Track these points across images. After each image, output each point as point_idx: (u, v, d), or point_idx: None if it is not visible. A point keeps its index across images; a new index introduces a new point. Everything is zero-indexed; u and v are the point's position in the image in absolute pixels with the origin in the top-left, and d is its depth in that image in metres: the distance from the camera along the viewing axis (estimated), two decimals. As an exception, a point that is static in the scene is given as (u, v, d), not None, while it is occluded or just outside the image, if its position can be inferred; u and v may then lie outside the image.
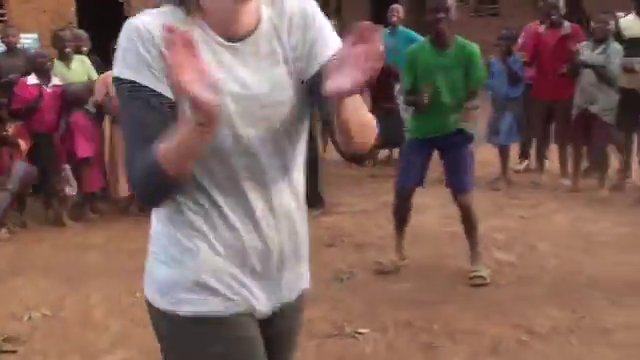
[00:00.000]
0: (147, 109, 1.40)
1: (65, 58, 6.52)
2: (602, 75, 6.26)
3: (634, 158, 6.82)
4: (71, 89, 6.23)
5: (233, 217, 1.49)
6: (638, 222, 5.59)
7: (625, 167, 6.79)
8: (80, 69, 6.60)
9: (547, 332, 3.71)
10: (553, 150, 7.22)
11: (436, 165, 4.71)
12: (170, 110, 1.41)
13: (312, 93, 1.51)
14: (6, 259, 5.31)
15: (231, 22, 1.46)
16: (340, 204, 6.35)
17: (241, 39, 1.47)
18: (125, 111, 1.44)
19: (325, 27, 1.55)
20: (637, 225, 5.51)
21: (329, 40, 1.53)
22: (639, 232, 5.34)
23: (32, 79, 6.07)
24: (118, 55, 1.43)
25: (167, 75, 1.25)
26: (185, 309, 1.51)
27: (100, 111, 6.35)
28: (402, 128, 4.78)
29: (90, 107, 6.34)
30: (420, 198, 4.91)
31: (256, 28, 1.49)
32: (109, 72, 6.32)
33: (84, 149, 6.19)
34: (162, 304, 1.53)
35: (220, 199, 1.49)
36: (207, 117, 1.25)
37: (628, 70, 6.36)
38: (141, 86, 1.40)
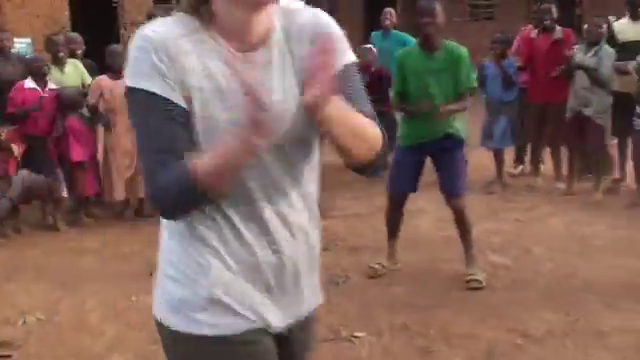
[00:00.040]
0: (164, 120, 1.37)
1: (59, 62, 6.57)
2: (594, 78, 6.29)
3: (628, 162, 6.85)
4: (66, 93, 6.23)
5: (246, 232, 1.46)
6: (633, 225, 5.61)
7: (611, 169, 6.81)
8: (74, 73, 6.65)
9: (542, 335, 3.71)
10: (548, 153, 7.24)
11: (431, 169, 4.71)
12: (184, 120, 1.39)
13: None
14: (0, 264, 5.28)
15: (244, 32, 1.43)
16: (333, 208, 6.34)
17: (253, 49, 1.45)
18: (141, 122, 1.40)
19: (339, 40, 1.50)
20: (632, 228, 5.53)
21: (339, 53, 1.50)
22: (634, 235, 5.36)
23: (29, 83, 6.09)
24: (130, 65, 1.40)
25: (245, 93, 1.25)
26: (199, 329, 1.47)
27: (95, 114, 6.33)
28: (396, 130, 4.76)
29: (85, 111, 6.34)
30: (415, 202, 4.92)
31: (268, 38, 1.47)
32: (103, 76, 6.32)
33: (78, 153, 6.19)
34: (175, 324, 1.50)
35: (232, 213, 1.45)
36: (262, 135, 1.26)
37: (621, 72, 6.39)
38: (156, 96, 1.37)
